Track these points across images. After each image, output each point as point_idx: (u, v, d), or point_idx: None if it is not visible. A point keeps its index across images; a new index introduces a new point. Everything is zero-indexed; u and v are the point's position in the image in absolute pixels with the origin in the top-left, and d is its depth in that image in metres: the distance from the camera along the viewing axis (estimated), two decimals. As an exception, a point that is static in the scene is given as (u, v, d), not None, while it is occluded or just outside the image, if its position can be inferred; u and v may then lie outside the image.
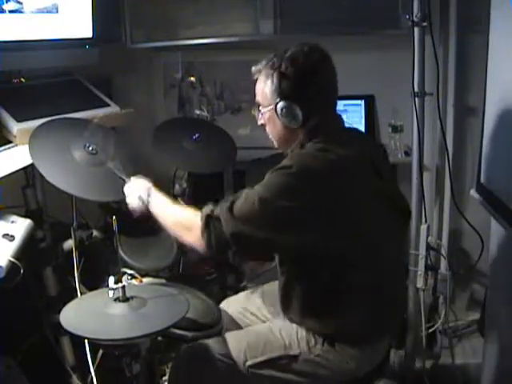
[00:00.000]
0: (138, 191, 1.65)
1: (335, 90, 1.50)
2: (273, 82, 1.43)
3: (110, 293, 1.44)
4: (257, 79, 1.50)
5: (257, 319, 1.78)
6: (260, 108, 1.52)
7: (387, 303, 1.52)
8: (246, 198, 1.37)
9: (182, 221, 1.51)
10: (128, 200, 1.68)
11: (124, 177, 1.74)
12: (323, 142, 1.42)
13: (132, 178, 1.72)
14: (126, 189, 1.70)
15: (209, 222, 1.39)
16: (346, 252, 1.41)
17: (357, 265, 1.42)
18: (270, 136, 1.56)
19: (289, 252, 1.47)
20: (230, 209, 1.37)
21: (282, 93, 1.42)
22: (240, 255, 1.41)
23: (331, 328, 1.48)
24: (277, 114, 1.45)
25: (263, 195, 1.34)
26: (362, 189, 1.42)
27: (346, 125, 1.58)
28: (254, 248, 1.41)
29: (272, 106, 1.46)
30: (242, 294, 1.92)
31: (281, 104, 1.43)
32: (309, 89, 1.42)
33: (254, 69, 1.50)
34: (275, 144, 1.57)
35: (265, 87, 1.46)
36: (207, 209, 1.43)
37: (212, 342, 1.57)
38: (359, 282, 1.43)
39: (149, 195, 1.63)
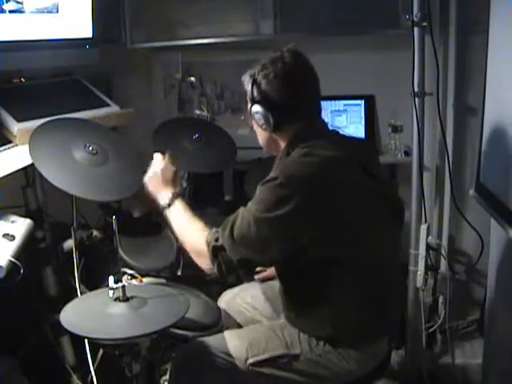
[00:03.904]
0: (160, 188, 1.62)
1: (312, 96, 1.51)
2: (249, 89, 1.50)
3: (110, 292, 1.44)
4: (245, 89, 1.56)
5: (256, 311, 1.79)
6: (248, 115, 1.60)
7: (385, 304, 1.52)
8: (242, 221, 1.38)
9: (194, 245, 1.51)
10: (147, 187, 1.65)
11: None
12: (308, 147, 1.43)
13: (159, 164, 1.66)
14: (150, 175, 1.65)
15: (216, 252, 1.41)
16: (342, 254, 1.41)
17: (352, 267, 1.42)
18: (259, 141, 1.61)
19: (292, 260, 1.47)
20: (231, 235, 1.39)
21: (252, 98, 1.48)
22: (249, 275, 1.44)
23: (329, 330, 1.48)
24: (253, 118, 1.51)
25: (256, 215, 1.36)
26: (351, 189, 1.43)
27: (339, 129, 1.62)
28: (261, 265, 1.42)
29: (248, 112, 1.52)
30: (238, 289, 1.92)
31: (253, 108, 1.49)
32: (276, 95, 1.45)
33: (242, 78, 1.55)
34: (264, 149, 1.61)
35: (246, 95, 1.53)
36: (212, 237, 1.43)
37: (213, 340, 1.57)
38: (355, 283, 1.43)
39: (170, 203, 1.58)
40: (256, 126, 1.54)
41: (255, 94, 1.47)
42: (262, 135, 1.56)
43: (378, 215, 1.49)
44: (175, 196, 1.59)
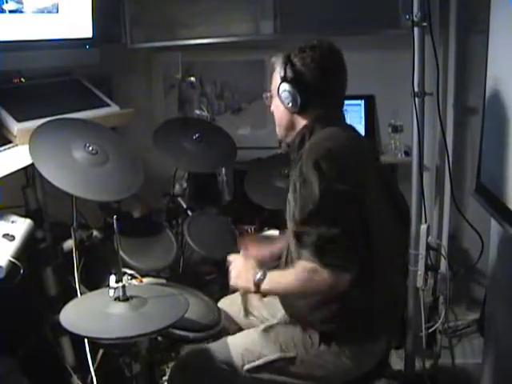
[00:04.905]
0: (246, 274, 1.55)
1: (340, 87, 1.57)
2: (281, 68, 1.53)
3: (111, 292, 1.44)
4: (274, 70, 1.58)
5: (254, 318, 1.79)
6: (270, 94, 1.62)
7: (384, 303, 1.52)
8: (314, 207, 1.36)
9: (299, 280, 1.42)
10: (233, 282, 1.61)
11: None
12: (329, 130, 1.49)
13: (235, 258, 1.65)
14: (233, 269, 1.61)
15: (318, 251, 1.37)
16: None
17: (365, 265, 1.42)
18: (276, 123, 1.63)
19: None
20: (315, 225, 1.36)
21: (285, 77, 1.51)
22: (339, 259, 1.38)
23: (330, 327, 1.48)
24: (279, 96, 1.54)
25: (323, 193, 1.35)
26: (370, 179, 1.47)
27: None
28: (342, 244, 1.38)
29: (276, 89, 1.55)
30: (237, 295, 1.91)
31: (282, 86, 1.52)
32: (309, 78, 1.49)
33: (272, 59, 1.58)
34: (277, 131, 1.63)
35: (276, 74, 1.56)
36: (306, 250, 1.39)
37: (211, 347, 1.58)
38: (357, 280, 1.43)
39: (261, 277, 1.50)
40: (279, 105, 1.56)
41: (288, 73, 1.50)
42: (282, 115, 1.58)
43: (385, 214, 1.51)
44: (264, 272, 1.50)
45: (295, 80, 1.49)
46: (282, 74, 1.51)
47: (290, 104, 1.51)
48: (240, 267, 1.59)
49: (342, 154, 1.42)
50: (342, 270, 1.36)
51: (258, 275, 1.49)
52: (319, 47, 1.50)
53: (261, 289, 1.49)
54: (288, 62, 1.50)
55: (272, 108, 1.62)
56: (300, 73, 1.48)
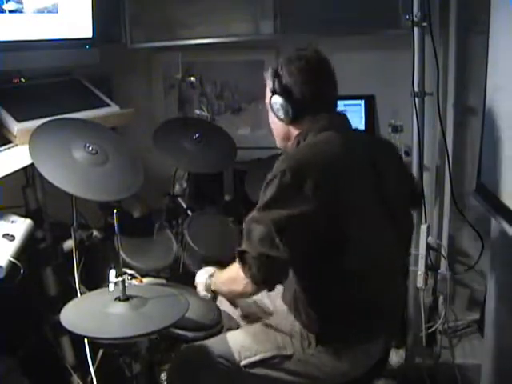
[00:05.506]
0: (203, 277, 1.71)
1: (329, 94, 1.55)
2: (270, 82, 1.54)
3: (111, 286, 1.44)
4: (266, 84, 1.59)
5: (257, 308, 1.79)
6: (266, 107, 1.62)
7: (383, 304, 1.52)
8: (258, 222, 1.39)
9: (228, 278, 1.55)
10: (197, 288, 1.73)
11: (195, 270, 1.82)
12: (323, 134, 1.48)
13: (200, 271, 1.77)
14: (196, 279, 1.75)
15: (242, 258, 1.42)
16: (343, 253, 1.41)
17: (349, 266, 1.42)
18: (274, 135, 1.64)
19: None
20: (250, 237, 1.39)
21: (274, 89, 1.52)
22: (273, 277, 1.44)
23: (321, 327, 1.49)
24: (271, 109, 1.55)
25: (270, 212, 1.37)
26: (356, 186, 1.45)
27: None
28: (282, 262, 1.40)
29: (268, 103, 1.56)
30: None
31: (272, 99, 1.53)
32: (297, 89, 1.49)
33: (264, 74, 1.59)
34: (277, 142, 1.64)
35: (267, 88, 1.57)
36: (237, 252, 1.44)
37: (209, 343, 1.58)
38: (350, 282, 1.44)
39: (209, 278, 1.68)
40: (273, 117, 1.57)
41: (277, 86, 1.51)
42: (278, 126, 1.58)
43: (379, 219, 1.49)
44: (213, 272, 1.70)
45: (284, 92, 1.49)
46: (272, 87, 1.53)
47: (283, 116, 1.52)
48: (197, 277, 1.74)
49: (317, 163, 1.40)
50: (263, 286, 1.44)
51: (206, 278, 1.67)
52: (305, 57, 1.50)
53: (215, 291, 1.65)
54: (276, 75, 1.51)
55: (269, 120, 1.62)
56: (288, 85, 1.49)
